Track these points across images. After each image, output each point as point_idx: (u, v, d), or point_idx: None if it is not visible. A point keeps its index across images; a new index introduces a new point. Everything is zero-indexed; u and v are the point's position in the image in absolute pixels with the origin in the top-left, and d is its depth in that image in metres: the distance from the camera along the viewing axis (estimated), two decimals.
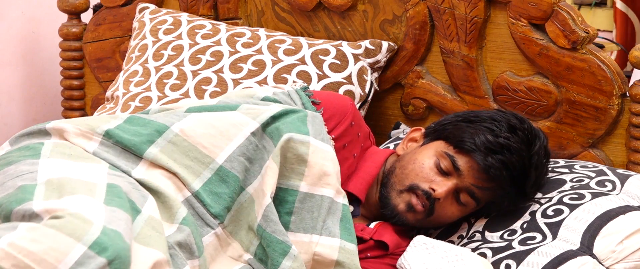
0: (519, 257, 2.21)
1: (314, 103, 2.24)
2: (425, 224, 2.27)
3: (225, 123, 2.10)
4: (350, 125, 2.26)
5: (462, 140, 2.21)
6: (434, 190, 2.21)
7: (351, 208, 2.23)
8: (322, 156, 2.11)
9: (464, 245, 2.28)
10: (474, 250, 2.25)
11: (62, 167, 1.96)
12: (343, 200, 2.13)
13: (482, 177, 2.21)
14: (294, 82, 2.50)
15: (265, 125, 2.11)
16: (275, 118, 2.12)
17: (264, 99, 2.23)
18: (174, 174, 2.05)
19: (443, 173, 2.22)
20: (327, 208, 2.10)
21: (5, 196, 1.90)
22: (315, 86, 2.59)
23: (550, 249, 2.20)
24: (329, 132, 2.20)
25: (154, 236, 1.91)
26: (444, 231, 2.35)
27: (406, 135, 2.35)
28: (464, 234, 2.32)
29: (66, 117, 3.10)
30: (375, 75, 2.67)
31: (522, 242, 2.26)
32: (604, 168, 2.42)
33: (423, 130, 2.34)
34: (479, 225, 2.32)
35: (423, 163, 2.23)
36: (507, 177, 2.21)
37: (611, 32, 4.01)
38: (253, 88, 2.36)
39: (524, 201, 2.29)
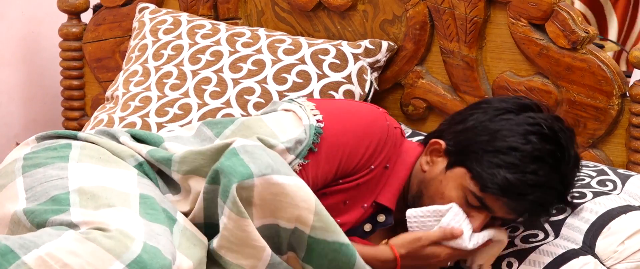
0: (522, 255, 2.21)
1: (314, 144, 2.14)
2: None
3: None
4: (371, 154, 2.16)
5: (485, 185, 2.08)
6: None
7: (383, 218, 2.21)
8: None
9: None
10: None
11: (93, 173, 1.94)
12: None
13: (514, 214, 2.14)
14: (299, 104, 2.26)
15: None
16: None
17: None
18: None
19: (472, 207, 2.12)
20: None
21: (38, 204, 1.87)
22: (315, 86, 2.59)
23: (553, 248, 2.21)
24: (344, 173, 2.14)
25: (191, 248, 1.90)
26: None
27: (428, 147, 2.20)
28: None
29: (66, 117, 3.10)
30: (375, 74, 2.67)
31: (524, 239, 2.26)
32: (605, 167, 2.43)
33: (444, 145, 2.17)
34: None
35: (451, 201, 2.12)
36: (542, 209, 2.13)
37: None
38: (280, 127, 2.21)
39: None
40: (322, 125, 2.14)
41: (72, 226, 1.80)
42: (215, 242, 1.96)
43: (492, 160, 2.07)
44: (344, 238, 1.98)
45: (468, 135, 2.14)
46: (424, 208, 2.14)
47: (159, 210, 1.90)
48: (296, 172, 2.06)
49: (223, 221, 1.93)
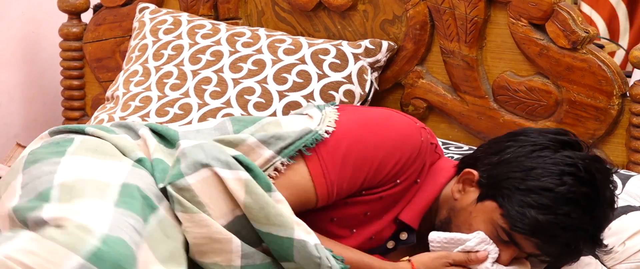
0: None
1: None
2: None
3: None
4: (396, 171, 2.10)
5: (515, 224, 2.01)
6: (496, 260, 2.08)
7: (405, 236, 2.16)
8: None
9: None
10: None
11: (81, 166, 1.94)
12: None
13: (545, 254, 2.07)
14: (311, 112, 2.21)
15: None
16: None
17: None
18: None
19: (502, 241, 2.06)
20: None
21: (27, 201, 1.88)
22: (315, 86, 2.59)
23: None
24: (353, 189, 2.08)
25: (162, 241, 1.88)
26: None
27: (461, 175, 2.12)
28: None
29: (66, 117, 3.10)
30: (375, 74, 2.66)
31: None
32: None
33: (477, 176, 2.09)
34: None
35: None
36: (573, 251, 2.06)
37: None
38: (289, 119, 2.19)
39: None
40: (330, 130, 2.09)
41: (41, 223, 1.81)
42: (190, 252, 1.95)
43: (524, 199, 2.00)
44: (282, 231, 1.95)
45: (502, 169, 2.06)
46: (449, 234, 2.09)
47: (137, 198, 1.89)
48: (279, 171, 2.04)
49: (183, 227, 1.93)
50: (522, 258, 2.11)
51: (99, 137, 2.06)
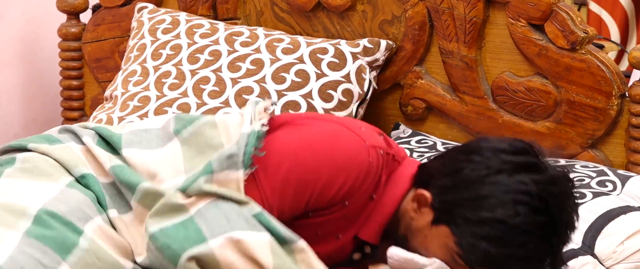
0: None
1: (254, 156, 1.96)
2: None
3: None
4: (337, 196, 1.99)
5: (467, 252, 1.91)
6: None
7: (369, 250, 2.09)
8: None
9: None
10: None
11: (11, 189, 1.89)
12: None
13: None
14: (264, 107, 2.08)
15: None
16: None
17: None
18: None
19: (459, 265, 1.95)
20: None
21: None
22: (314, 85, 2.59)
23: None
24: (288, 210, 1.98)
25: (97, 266, 1.83)
26: None
27: (415, 195, 2.01)
28: None
29: (65, 117, 3.10)
30: (374, 73, 2.66)
31: None
32: (605, 168, 2.42)
33: (430, 198, 1.98)
34: None
35: (436, 256, 1.97)
36: None
37: None
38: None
39: None
40: (264, 130, 2.00)
41: None
42: None
43: (476, 231, 1.90)
44: None
45: (454, 195, 1.95)
46: (407, 254, 2.00)
47: (54, 227, 1.83)
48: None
49: None
50: None
51: (43, 153, 2.00)
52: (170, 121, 2.08)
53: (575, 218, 1.95)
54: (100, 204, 1.95)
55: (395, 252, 2.01)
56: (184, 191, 1.93)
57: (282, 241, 1.90)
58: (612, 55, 3.58)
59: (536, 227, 1.89)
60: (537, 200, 1.89)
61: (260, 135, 1.97)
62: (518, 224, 1.88)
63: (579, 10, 3.88)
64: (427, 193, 1.98)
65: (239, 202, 1.91)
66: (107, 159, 1.99)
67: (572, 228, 1.95)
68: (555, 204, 1.90)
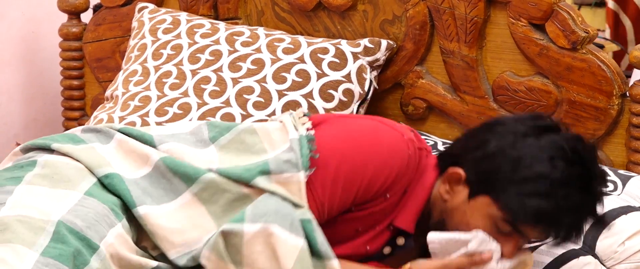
0: None
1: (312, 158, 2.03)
2: None
3: None
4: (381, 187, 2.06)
5: (518, 215, 2.00)
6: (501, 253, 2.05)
7: (402, 241, 2.14)
8: None
9: None
10: None
11: (31, 198, 1.91)
12: None
13: (549, 238, 2.07)
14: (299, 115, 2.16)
15: None
16: None
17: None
18: None
19: (503, 233, 2.04)
20: None
21: None
22: (315, 85, 2.59)
23: (553, 248, 2.20)
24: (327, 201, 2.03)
25: None
26: None
27: (446, 175, 2.09)
28: None
29: (66, 117, 3.10)
30: (375, 73, 2.66)
31: None
32: (606, 168, 2.42)
33: (463, 174, 2.07)
34: None
35: (478, 229, 2.04)
36: (578, 230, 2.06)
37: (604, 31, 4.01)
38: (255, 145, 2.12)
39: None
40: (312, 133, 2.07)
41: None
42: None
43: (521, 190, 1.99)
44: None
45: (489, 163, 2.04)
46: (447, 234, 2.06)
47: (71, 243, 1.84)
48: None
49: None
50: (524, 248, 2.10)
51: (65, 154, 2.02)
52: (203, 127, 2.13)
53: (605, 170, 2.09)
54: (125, 204, 1.98)
55: (434, 236, 2.07)
56: (248, 182, 1.99)
57: (317, 254, 1.94)
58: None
59: (575, 178, 2.00)
60: (571, 153, 2.00)
61: (311, 138, 2.04)
62: (558, 177, 1.98)
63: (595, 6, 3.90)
64: (459, 170, 2.07)
65: (294, 204, 1.96)
66: (151, 152, 2.04)
67: (606, 178, 2.08)
68: (587, 156, 2.03)
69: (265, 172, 2.00)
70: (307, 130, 2.07)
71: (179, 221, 1.98)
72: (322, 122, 2.13)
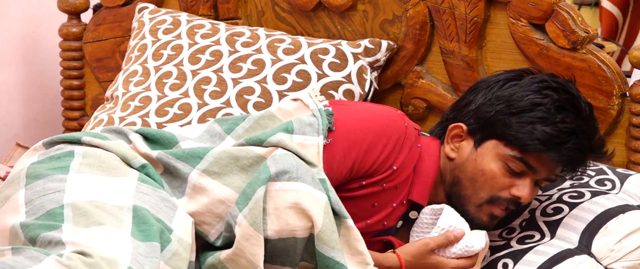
0: (516, 256, 2.22)
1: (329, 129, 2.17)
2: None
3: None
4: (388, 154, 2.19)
5: (525, 143, 2.15)
6: (518, 196, 2.18)
7: (415, 214, 2.25)
8: None
9: None
10: None
11: (89, 185, 1.94)
12: None
13: (559, 167, 2.20)
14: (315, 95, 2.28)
15: None
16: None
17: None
18: None
19: (516, 174, 2.19)
20: None
21: (35, 218, 1.87)
22: (315, 85, 2.59)
23: (548, 248, 2.21)
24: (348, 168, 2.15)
25: (184, 259, 1.89)
26: None
27: (447, 134, 2.27)
28: None
29: (66, 117, 3.10)
30: (375, 74, 2.67)
31: (521, 241, 2.26)
32: (604, 167, 2.42)
33: (465, 126, 2.25)
34: None
35: (494, 174, 2.18)
36: (581, 154, 2.20)
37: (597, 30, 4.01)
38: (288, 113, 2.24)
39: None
40: (330, 108, 2.18)
41: (60, 244, 1.79)
42: (223, 254, 1.98)
43: (522, 121, 2.16)
44: (340, 257, 1.97)
45: (485, 109, 2.21)
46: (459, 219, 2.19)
47: (152, 223, 1.89)
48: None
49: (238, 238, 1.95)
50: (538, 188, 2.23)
51: (97, 146, 2.06)
52: (214, 125, 2.19)
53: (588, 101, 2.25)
54: None
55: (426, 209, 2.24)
56: (261, 143, 2.07)
57: (334, 212, 2.00)
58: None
59: (566, 103, 2.17)
60: (555, 84, 2.20)
61: (330, 113, 2.17)
62: (551, 103, 2.16)
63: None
64: (460, 124, 2.24)
65: (309, 164, 2.04)
66: (152, 151, 2.09)
67: (593, 110, 2.24)
68: (570, 85, 2.23)
69: (289, 130, 2.10)
70: (325, 106, 2.19)
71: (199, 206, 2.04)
72: (334, 104, 2.25)
